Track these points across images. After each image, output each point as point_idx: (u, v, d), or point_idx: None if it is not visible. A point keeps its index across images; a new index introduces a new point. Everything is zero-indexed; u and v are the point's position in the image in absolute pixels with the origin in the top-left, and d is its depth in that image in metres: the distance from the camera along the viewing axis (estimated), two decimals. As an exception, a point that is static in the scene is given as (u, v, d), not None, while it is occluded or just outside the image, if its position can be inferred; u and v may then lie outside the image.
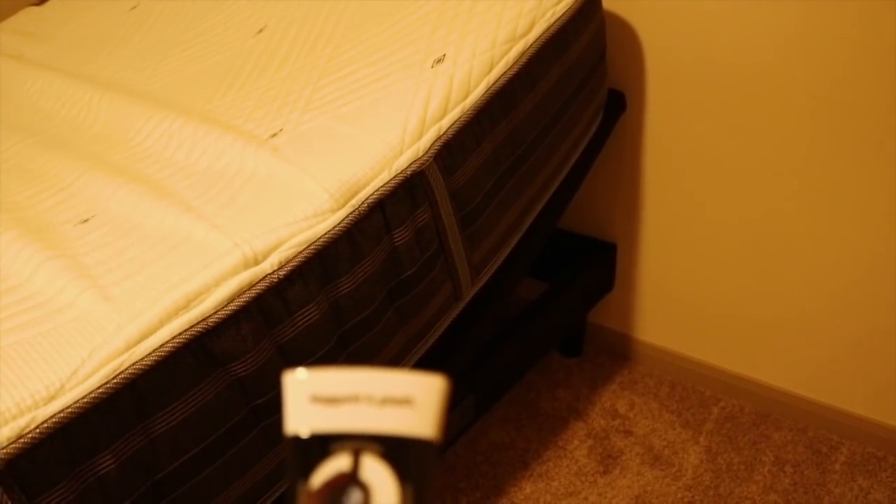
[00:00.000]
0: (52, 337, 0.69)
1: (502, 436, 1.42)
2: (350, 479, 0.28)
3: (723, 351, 1.44)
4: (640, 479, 1.33)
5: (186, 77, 1.09)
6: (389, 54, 0.99)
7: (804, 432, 1.38)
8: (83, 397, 0.65)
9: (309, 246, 0.79)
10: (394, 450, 0.28)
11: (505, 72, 0.96)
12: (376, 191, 0.84)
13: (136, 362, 0.68)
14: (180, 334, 0.70)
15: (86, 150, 0.98)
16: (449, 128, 0.91)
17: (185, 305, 0.71)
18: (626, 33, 1.25)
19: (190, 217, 0.81)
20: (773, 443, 1.37)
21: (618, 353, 1.56)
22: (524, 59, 0.98)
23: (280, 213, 0.80)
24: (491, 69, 0.95)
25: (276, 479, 0.82)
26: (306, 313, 0.78)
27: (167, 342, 0.70)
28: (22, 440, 0.62)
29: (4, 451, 0.61)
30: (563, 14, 1.03)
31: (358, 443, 0.28)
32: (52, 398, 0.64)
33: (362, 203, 0.83)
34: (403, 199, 0.86)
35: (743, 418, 1.42)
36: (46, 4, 1.44)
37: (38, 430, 0.63)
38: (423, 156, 0.88)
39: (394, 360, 0.92)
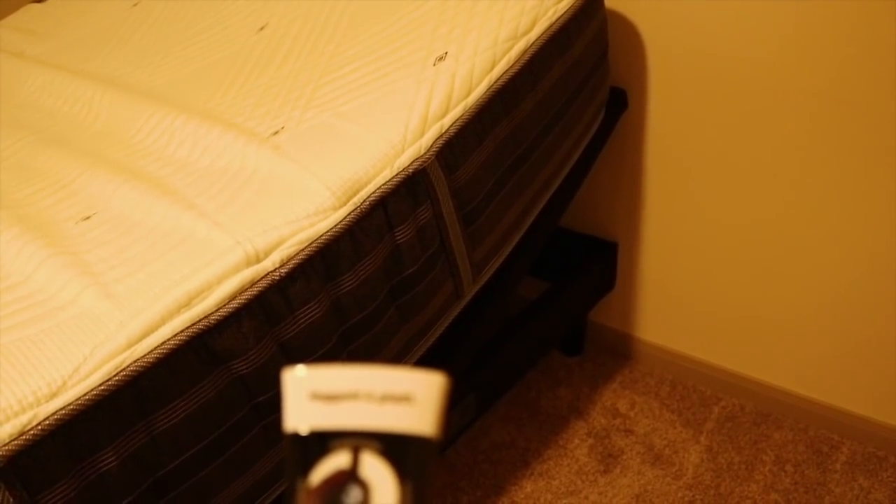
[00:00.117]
0: (54, 334, 0.69)
1: (503, 434, 1.42)
2: (349, 477, 0.28)
3: (724, 350, 1.44)
4: (640, 478, 1.33)
5: (188, 75, 1.09)
6: (391, 52, 0.99)
7: (805, 432, 1.38)
8: (85, 394, 0.65)
9: (311, 244, 0.78)
10: (393, 447, 0.28)
11: (507, 70, 0.96)
12: (378, 189, 0.84)
13: (138, 360, 0.68)
14: (182, 332, 0.70)
15: (87, 147, 0.98)
16: (451, 126, 0.91)
17: (187, 303, 0.71)
18: (628, 31, 1.25)
19: (191, 215, 0.81)
20: (774, 442, 1.37)
21: (619, 352, 1.56)
22: (526, 58, 0.98)
23: (282, 211, 0.80)
24: (493, 67, 0.95)
25: (277, 478, 0.82)
26: (308, 311, 0.78)
27: (169, 340, 0.70)
28: (24, 437, 0.62)
29: (6, 447, 0.61)
30: (564, 12, 1.03)
31: (357, 440, 0.28)
32: (53, 395, 0.64)
33: (364, 201, 0.83)
34: (405, 197, 0.86)
35: (744, 418, 1.42)
36: (48, 2, 1.43)
37: (39, 427, 0.63)
38: (425, 154, 0.88)
39: (395, 358, 0.92)
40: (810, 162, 1.19)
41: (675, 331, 1.48)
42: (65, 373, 0.65)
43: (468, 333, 1.08)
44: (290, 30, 1.12)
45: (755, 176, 1.25)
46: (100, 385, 0.66)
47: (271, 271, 0.76)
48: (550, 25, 1.01)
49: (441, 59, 0.95)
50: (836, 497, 1.28)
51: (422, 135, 0.88)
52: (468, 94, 0.92)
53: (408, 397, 0.28)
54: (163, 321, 0.70)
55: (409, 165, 0.86)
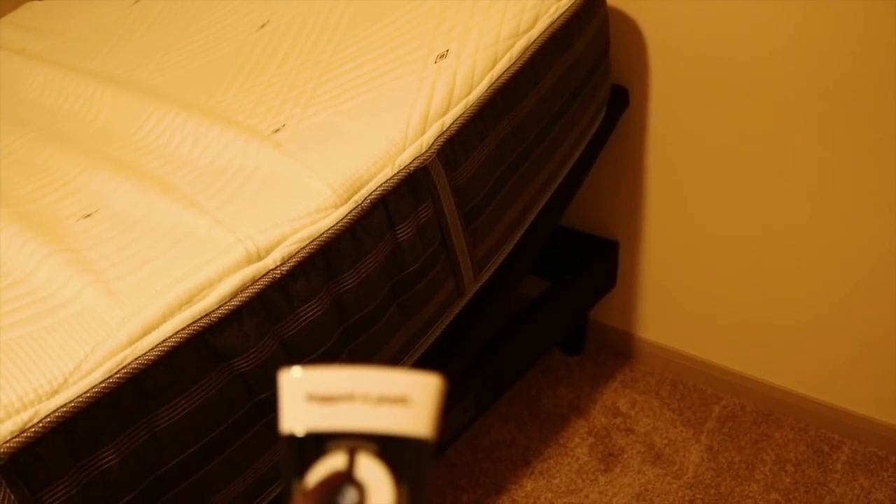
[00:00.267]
0: (55, 331, 0.69)
1: (503, 433, 1.42)
2: (345, 478, 0.28)
3: (724, 349, 1.44)
4: (641, 477, 1.33)
5: (189, 72, 1.09)
6: (392, 49, 0.99)
7: (805, 431, 1.38)
8: (86, 392, 0.65)
9: (312, 242, 0.78)
10: (389, 449, 0.28)
11: (508, 67, 0.96)
12: (379, 187, 0.84)
13: (139, 357, 0.68)
14: (183, 329, 0.70)
15: (89, 144, 0.98)
16: (452, 123, 0.90)
17: (189, 301, 0.71)
18: (630, 29, 1.25)
19: (193, 212, 0.81)
20: (775, 442, 1.37)
21: (619, 351, 1.56)
22: (527, 55, 0.98)
23: (283, 209, 0.80)
24: (494, 65, 0.95)
25: (277, 476, 0.82)
26: (309, 309, 0.78)
27: (170, 337, 0.70)
28: (25, 434, 0.62)
29: (7, 444, 0.61)
30: (566, 10, 1.03)
31: (353, 441, 0.28)
32: (55, 392, 0.64)
33: (365, 199, 0.83)
34: (406, 195, 0.86)
35: (744, 417, 1.42)
36: (49, -1, 1.43)
37: (40, 425, 0.63)
38: (426, 151, 0.88)
39: (396, 356, 0.92)
40: (812, 161, 1.19)
41: (675, 330, 1.48)
42: (66, 370, 0.65)
43: (469, 332, 1.08)
44: (291, 27, 1.11)
45: (757, 175, 1.25)
46: (101, 382, 0.66)
47: (272, 269, 0.76)
48: (552, 23, 1.01)
49: (442, 56, 0.95)
50: (836, 497, 1.28)
51: (423, 132, 0.88)
52: (469, 92, 0.92)
53: (404, 399, 0.28)
54: (164, 319, 0.70)
55: (410, 163, 0.86)
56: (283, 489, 0.28)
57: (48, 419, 0.63)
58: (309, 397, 0.28)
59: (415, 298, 0.90)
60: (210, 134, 0.92)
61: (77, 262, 0.77)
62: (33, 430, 0.62)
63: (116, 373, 0.67)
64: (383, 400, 0.28)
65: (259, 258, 0.76)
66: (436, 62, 0.94)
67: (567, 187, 1.20)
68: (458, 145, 0.91)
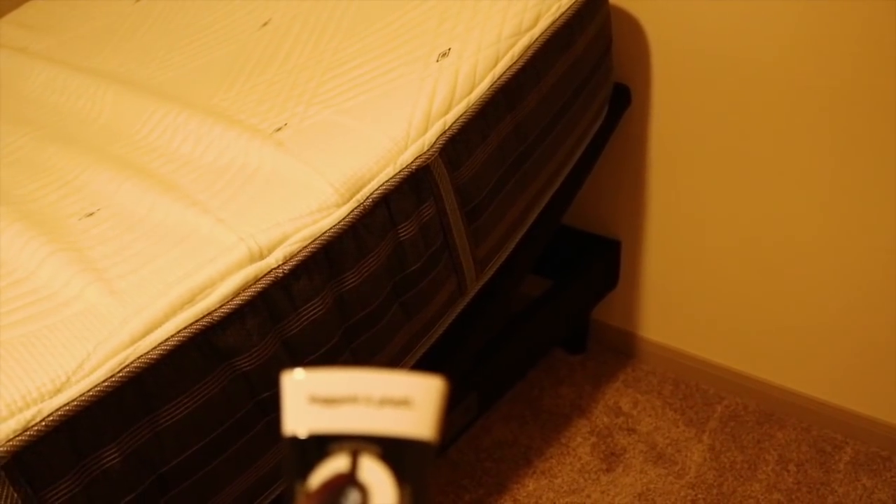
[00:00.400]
0: (57, 330, 0.69)
1: (505, 433, 1.42)
2: (348, 480, 0.28)
3: (727, 349, 1.43)
4: (643, 476, 1.33)
5: (191, 70, 1.09)
6: (394, 48, 0.99)
7: (808, 431, 1.38)
8: (89, 390, 0.65)
9: (314, 241, 0.78)
10: (392, 451, 0.28)
11: (510, 66, 0.96)
12: (381, 185, 0.84)
13: (142, 356, 0.68)
14: (185, 328, 0.70)
15: (91, 143, 0.98)
16: (454, 122, 0.90)
17: (191, 300, 0.71)
18: (632, 27, 1.25)
19: (195, 211, 0.81)
20: (777, 442, 1.37)
21: (621, 350, 1.56)
22: (529, 54, 0.98)
23: (285, 208, 0.80)
24: (496, 63, 0.95)
25: (279, 475, 0.82)
26: (311, 308, 0.78)
27: (172, 336, 0.70)
28: (28, 433, 0.62)
29: (10, 443, 0.61)
30: (568, 8, 1.03)
31: (356, 444, 0.28)
32: (57, 391, 0.64)
33: (367, 198, 0.83)
34: (408, 194, 0.86)
35: (747, 417, 1.41)
36: (52, -2, 1.43)
37: (43, 423, 0.63)
38: (428, 150, 0.88)
39: (398, 355, 0.92)
40: (815, 160, 1.19)
41: (678, 329, 1.48)
42: (69, 369, 0.65)
43: (471, 331, 1.08)
44: (293, 26, 1.11)
45: (759, 174, 1.25)
46: (103, 381, 0.66)
47: (274, 268, 0.76)
48: (554, 22, 1.01)
49: (444, 55, 0.95)
50: (839, 497, 1.28)
51: (425, 131, 0.88)
52: (471, 91, 0.92)
53: (406, 401, 0.28)
54: (166, 318, 0.70)
55: (412, 162, 0.86)
56: (286, 491, 0.28)
57: (51, 418, 0.63)
58: (312, 399, 0.29)
59: (417, 297, 0.90)
60: (212, 133, 0.92)
61: (79, 260, 0.77)
62: (36, 428, 0.62)
63: (119, 372, 0.67)
64: (386, 402, 0.28)
65: (261, 257, 0.76)
66: (438, 61, 0.94)
67: (569, 186, 1.19)
68: (459, 144, 0.91)
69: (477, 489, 1.33)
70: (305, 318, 0.78)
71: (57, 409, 0.64)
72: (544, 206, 1.12)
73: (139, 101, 1.02)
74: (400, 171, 0.85)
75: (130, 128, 0.99)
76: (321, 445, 0.28)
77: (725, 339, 1.43)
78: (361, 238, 0.82)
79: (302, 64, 1.03)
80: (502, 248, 1.04)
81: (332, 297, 0.80)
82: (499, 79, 0.94)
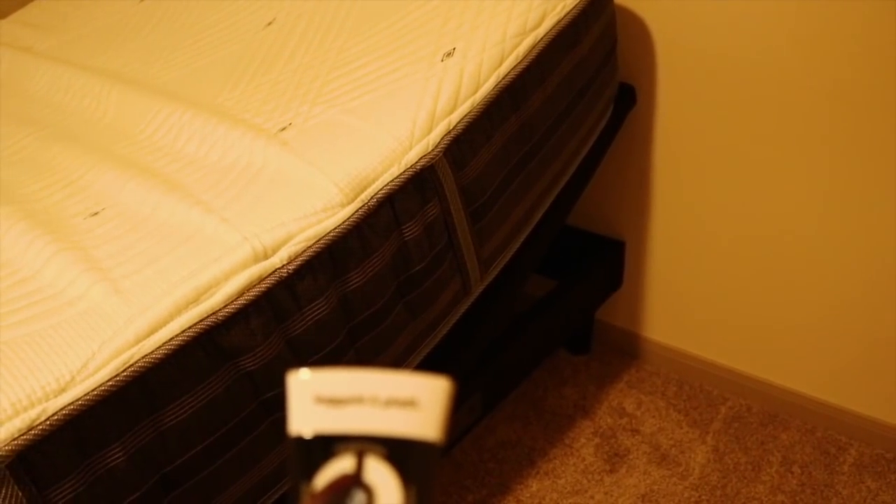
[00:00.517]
0: (62, 329, 0.69)
1: (509, 433, 1.42)
2: (353, 481, 0.28)
3: (731, 350, 1.43)
4: (646, 477, 1.33)
5: (196, 70, 1.09)
6: (399, 48, 0.99)
7: (812, 433, 1.37)
8: (93, 390, 0.65)
9: (318, 240, 0.78)
10: (397, 452, 0.28)
11: (515, 66, 0.95)
12: (386, 185, 0.84)
13: (146, 355, 0.68)
14: (190, 328, 0.70)
15: (95, 142, 0.98)
16: (458, 122, 0.90)
17: (195, 299, 0.71)
18: (637, 27, 1.24)
19: (199, 211, 0.81)
20: (781, 443, 1.36)
21: (625, 351, 1.55)
22: (534, 53, 0.97)
23: (289, 208, 0.80)
24: (501, 63, 0.95)
25: (283, 475, 0.82)
26: (316, 308, 0.78)
27: (177, 336, 0.70)
28: (32, 432, 0.62)
29: (15, 442, 0.61)
30: (573, 7, 1.02)
31: (361, 444, 0.28)
32: (62, 390, 0.64)
33: (371, 198, 0.83)
34: (413, 194, 0.86)
35: (751, 418, 1.41)
36: (57, -3, 1.43)
37: (48, 422, 0.63)
38: (433, 150, 0.88)
39: (402, 355, 0.92)
40: (821, 161, 1.18)
41: (682, 330, 1.47)
42: (73, 368, 0.65)
43: (475, 331, 1.08)
44: (298, 25, 1.11)
45: (764, 175, 1.24)
46: (108, 381, 0.66)
47: (279, 268, 0.76)
48: (559, 21, 1.01)
49: (449, 55, 0.95)
50: (843, 499, 1.27)
51: (429, 131, 0.88)
52: (476, 91, 0.92)
53: (412, 402, 0.28)
54: (171, 317, 0.70)
55: (416, 162, 0.86)
56: (291, 491, 0.28)
57: (55, 417, 0.63)
58: (317, 399, 0.28)
59: (421, 297, 0.90)
60: (217, 132, 0.92)
61: (84, 260, 0.77)
62: (41, 427, 0.62)
63: (123, 371, 0.67)
64: (391, 402, 0.28)
65: (266, 257, 0.76)
66: (442, 60, 0.94)
67: (573, 186, 1.19)
68: (464, 144, 0.91)
69: (480, 489, 1.33)
70: (310, 317, 0.78)
71: (61, 409, 0.64)
72: (549, 206, 1.12)
73: (144, 101, 1.02)
74: (404, 171, 0.85)
75: (135, 127, 0.99)
76: (326, 446, 0.28)
77: (730, 340, 1.42)
78: (366, 238, 0.82)
79: (306, 63, 1.03)
80: (507, 247, 1.04)
81: (337, 296, 0.80)
82: (503, 78, 0.94)
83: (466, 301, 1.00)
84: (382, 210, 0.83)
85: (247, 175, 0.86)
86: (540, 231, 1.11)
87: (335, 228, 0.79)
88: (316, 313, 0.78)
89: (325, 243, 0.79)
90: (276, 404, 0.77)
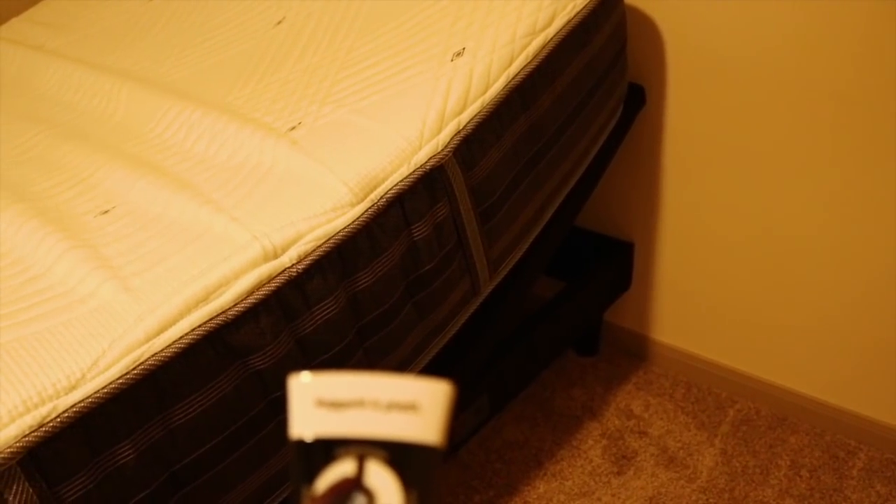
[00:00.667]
0: (73, 327, 0.69)
1: (516, 434, 1.42)
2: (354, 485, 0.27)
3: (740, 353, 1.42)
4: (654, 480, 1.32)
5: (206, 68, 1.09)
6: (409, 47, 0.99)
7: (821, 437, 1.36)
8: (103, 387, 0.65)
9: (328, 240, 0.78)
10: (398, 456, 0.28)
11: (525, 66, 0.95)
12: (395, 185, 0.84)
13: (156, 354, 0.68)
14: (199, 326, 0.70)
15: (106, 141, 0.99)
16: (468, 122, 0.90)
17: (205, 298, 0.71)
18: (647, 27, 1.24)
19: (209, 209, 0.81)
20: (790, 447, 1.35)
21: (634, 352, 1.55)
22: (544, 53, 0.97)
23: (299, 207, 0.80)
24: (511, 63, 0.94)
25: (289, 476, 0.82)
26: (325, 307, 0.78)
27: (186, 334, 0.70)
28: (43, 429, 0.62)
29: (26, 439, 0.61)
30: (583, 7, 1.02)
31: (363, 448, 0.28)
32: (73, 388, 0.64)
33: (381, 198, 0.82)
34: (422, 193, 0.86)
35: (759, 421, 1.40)
36: (68, -4, 1.44)
37: (58, 420, 0.63)
38: (443, 150, 0.87)
39: (411, 355, 0.92)
40: (831, 163, 1.18)
41: (690, 332, 1.47)
42: (84, 366, 0.66)
43: (483, 332, 1.08)
44: (308, 24, 1.11)
45: (774, 176, 1.24)
46: (118, 378, 0.66)
47: (288, 267, 0.76)
48: (569, 21, 1.00)
49: (458, 54, 0.94)
50: None
51: (439, 131, 0.88)
52: (486, 91, 0.92)
53: (413, 406, 0.28)
54: (181, 315, 0.70)
55: (426, 162, 0.86)
56: (292, 494, 0.28)
57: (66, 414, 0.63)
58: (318, 403, 0.28)
59: (430, 297, 0.90)
60: (226, 131, 0.92)
61: (94, 258, 0.77)
62: (51, 424, 0.63)
63: (133, 369, 0.67)
64: (393, 406, 0.28)
65: (275, 256, 0.76)
66: (452, 60, 0.94)
67: (583, 187, 1.19)
68: (474, 144, 0.90)
69: (487, 490, 1.33)
70: (319, 317, 0.78)
71: (72, 406, 0.64)
72: (558, 207, 1.11)
73: (154, 99, 1.02)
74: (414, 171, 0.85)
75: (145, 126, 0.99)
76: (327, 449, 0.28)
77: (738, 342, 1.41)
78: (375, 238, 0.82)
79: (316, 63, 1.03)
80: (516, 248, 1.04)
81: (346, 296, 0.80)
82: (513, 78, 0.94)
83: (475, 301, 1.00)
84: (392, 210, 0.83)
85: (256, 174, 0.86)
86: (549, 232, 1.11)
87: (344, 228, 0.79)
88: (325, 313, 0.78)
89: (334, 243, 0.79)
90: (285, 404, 0.77)
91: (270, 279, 0.74)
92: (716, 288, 1.39)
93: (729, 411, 1.43)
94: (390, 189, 0.83)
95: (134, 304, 0.71)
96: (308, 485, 0.28)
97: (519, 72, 0.95)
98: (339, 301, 0.79)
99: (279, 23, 1.14)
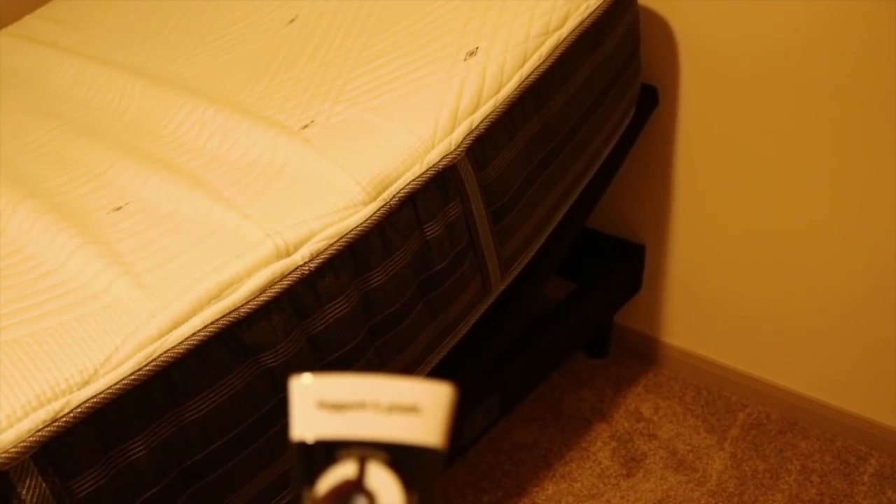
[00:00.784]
0: (86, 322, 0.69)
1: (525, 435, 1.41)
2: (355, 487, 0.27)
3: (750, 356, 1.41)
4: (663, 483, 1.32)
5: (219, 66, 1.09)
6: (422, 46, 0.99)
7: (832, 442, 1.35)
8: (116, 383, 0.65)
9: (340, 238, 0.78)
10: (400, 458, 0.28)
11: (538, 66, 0.95)
12: (408, 184, 0.83)
13: (169, 350, 0.68)
14: (212, 323, 0.70)
15: (119, 137, 0.99)
16: (481, 122, 0.90)
17: (218, 295, 0.71)
18: (660, 28, 1.23)
19: (222, 207, 0.81)
20: (800, 451, 1.34)
21: (643, 355, 1.54)
22: (557, 54, 0.97)
23: (312, 205, 0.80)
24: (524, 63, 0.94)
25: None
26: (337, 305, 0.78)
27: (199, 331, 0.70)
28: (56, 424, 0.62)
29: (40, 433, 0.61)
30: (596, 8, 1.02)
31: (364, 450, 0.28)
32: (86, 383, 0.64)
33: (393, 197, 0.82)
34: (435, 193, 0.85)
35: (769, 425, 1.39)
36: (81, -7, 1.45)
37: (71, 415, 0.63)
38: (455, 150, 0.87)
39: (422, 354, 0.92)
40: (844, 166, 1.17)
41: (701, 335, 1.46)
42: (97, 361, 0.66)
43: (494, 332, 1.08)
44: (321, 23, 1.11)
45: (786, 179, 1.23)
46: (131, 374, 0.66)
47: (301, 265, 0.76)
48: (582, 21, 1.00)
49: (472, 54, 0.94)
50: (864, 508, 1.25)
51: (452, 131, 0.88)
52: (499, 90, 0.92)
53: (415, 408, 0.28)
54: (193, 312, 0.70)
55: (438, 161, 0.86)
56: (294, 496, 0.28)
57: (79, 409, 0.64)
58: (320, 405, 0.28)
59: (442, 296, 0.90)
60: (239, 129, 0.92)
61: (107, 254, 0.77)
62: (64, 419, 0.63)
63: (146, 365, 0.67)
64: (394, 408, 0.28)
65: (288, 254, 0.76)
66: (465, 60, 0.94)
67: (595, 187, 1.18)
68: (486, 144, 0.90)
69: (496, 491, 1.33)
70: (331, 315, 0.78)
71: (85, 401, 0.64)
72: (570, 208, 1.11)
73: (167, 96, 1.03)
74: (426, 171, 0.85)
75: (158, 122, 1.00)
76: (329, 451, 0.28)
77: (749, 345, 1.41)
78: (387, 236, 0.82)
79: (329, 61, 1.03)
80: (527, 248, 1.04)
81: (358, 295, 0.80)
82: (526, 78, 0.94)
83: (486, 301, 1.00)
84: (404, 209, 0.83)
85: (269, 172, 0.86)
86: (561, 232, 1.11)
87: (357, 227, 0.79)
88: (337, 311, 0.78)
89: (346, 241, 0.78)
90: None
91: (283, 277, 0.74)
92: (726, 291, 1.38)
93: (739, 415, 1.42)
94: (403, 188, 0.83)
95: (147, 301, 0.71)
96: (309, 486, 0.28)
97: (532, 72, 0.94)
98: (350, 299, 0.79)
99: (292, 21, 1.14)
